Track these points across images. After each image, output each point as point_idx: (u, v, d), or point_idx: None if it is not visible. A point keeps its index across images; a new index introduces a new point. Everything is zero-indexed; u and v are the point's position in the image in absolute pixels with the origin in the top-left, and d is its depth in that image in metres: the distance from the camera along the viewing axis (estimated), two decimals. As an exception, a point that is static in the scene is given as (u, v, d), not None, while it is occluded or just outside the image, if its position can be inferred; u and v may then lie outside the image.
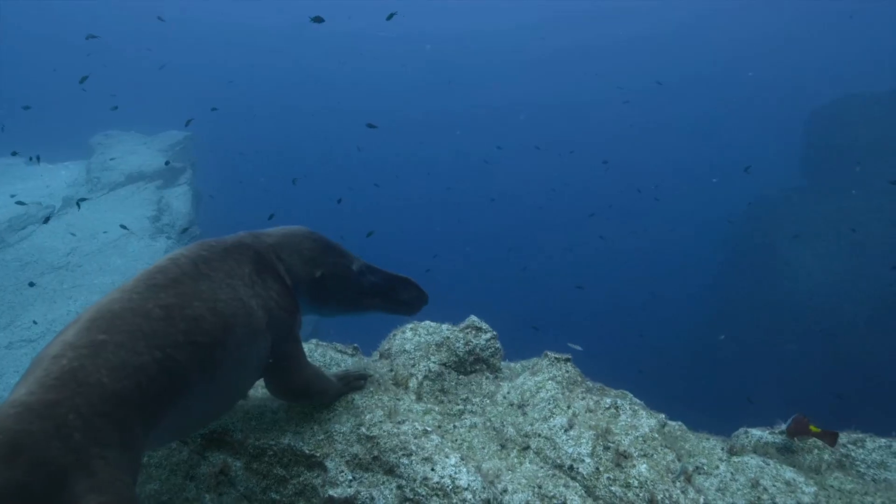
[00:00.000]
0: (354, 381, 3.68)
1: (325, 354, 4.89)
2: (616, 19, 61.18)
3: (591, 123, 56.03)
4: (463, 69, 65.47)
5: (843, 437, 4.63)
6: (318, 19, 9.45)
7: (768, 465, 4.34)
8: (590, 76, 57.45)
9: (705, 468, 4.28)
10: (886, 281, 20.45)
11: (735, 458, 4.40)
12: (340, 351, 5.15)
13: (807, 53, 54.54)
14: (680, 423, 4.87)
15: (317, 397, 3.44)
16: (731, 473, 4.23)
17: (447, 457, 3.00)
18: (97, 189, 20.95)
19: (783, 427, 4.72)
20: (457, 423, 3.66)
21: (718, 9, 56.74)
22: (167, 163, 14.12)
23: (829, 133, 25.70)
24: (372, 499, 2.94)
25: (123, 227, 16.24)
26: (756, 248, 25.48)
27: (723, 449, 4.49)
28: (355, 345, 5.16)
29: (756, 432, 4.85)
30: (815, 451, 4.58)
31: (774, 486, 4.11)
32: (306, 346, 4.87)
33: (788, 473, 4.28)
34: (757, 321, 23.33)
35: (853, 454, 4.54)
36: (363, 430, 3.21)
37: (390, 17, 12.94)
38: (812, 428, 4.42)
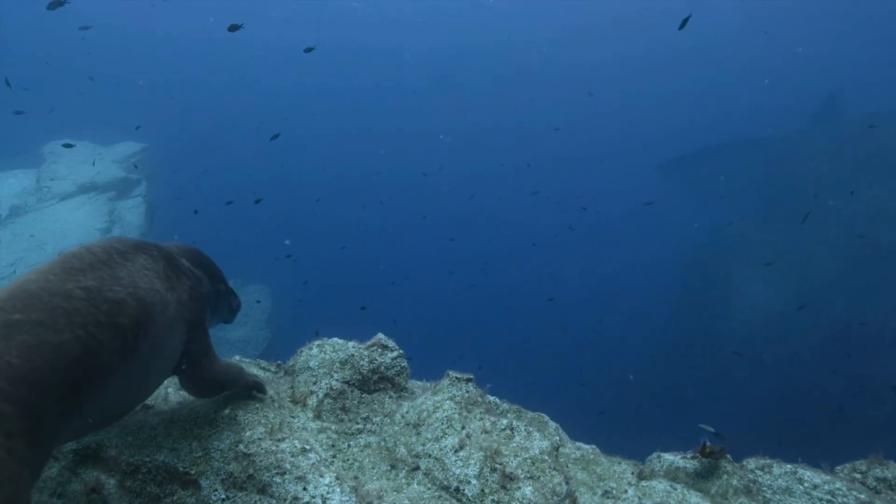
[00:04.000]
0: (260, 387, 3.72)
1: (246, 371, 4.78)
2: (593, 41, 62.88)
3: (536, 150, 56.58)
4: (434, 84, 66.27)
5: (752, 463, 4.64)
6: (234, 27, 9.26)
7: (675, 489, 4.33)
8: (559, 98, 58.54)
9: (614, 492, 4.25)
10: (832, 312, 20.98)
11: (644, 483, 4.39)
12: (263, 368, 5.04)
13: (762, 85, 56.45)
14: (594, 446, 4.85)
15: (230, 384, 3.51)
16: (639, 498, 4.21)
17: (321, 476, 2.92)
18: (47, 198, 20.45)
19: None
20: (351, 443, 3.58)
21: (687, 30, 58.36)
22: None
23: (783, 165, 26.48)
24: (242, 519, 2.83)
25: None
26: (710, 278, 25.92)
27: (633, 473, 4.47)
28: (279, 362, 5.06)
29: (668, 457, 4.84)
30: (725, 476, 4.59)
31: (678, 510, 4.10)
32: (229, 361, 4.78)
33: (694, 498, 4.28)
34: (709, 349, 23.65)
35: (760, 479, 4.55)
36: (241, 447, 3.11)
37: (308, 50, 12.85)
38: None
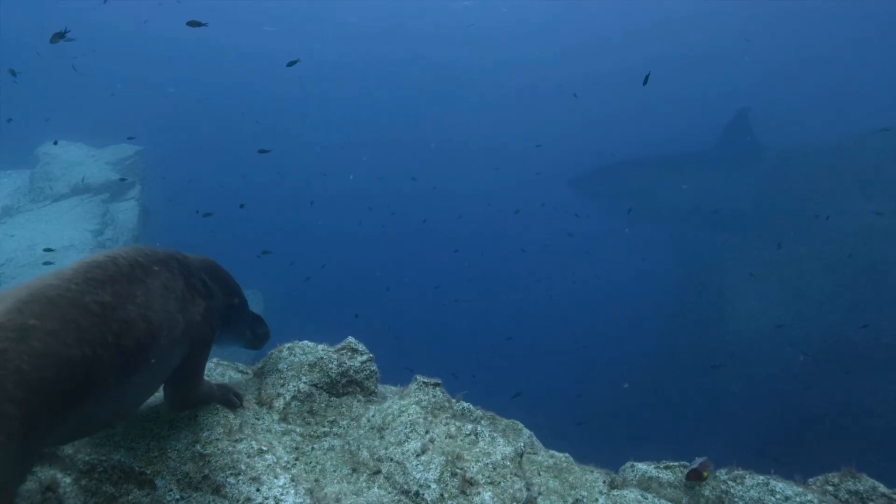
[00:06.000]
0: (233, 397, 3.70)
1: (224, 374, 4.76)
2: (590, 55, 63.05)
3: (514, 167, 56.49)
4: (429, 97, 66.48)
5: (724, 474, 4.61)
6: (195, 23, 9.02)
7: (646, 499, 4.30)
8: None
9: (584, 500, 4.22)
10: (825, 326, 21.00)
11: (615, 492, 4.35)
12: (241, 371, 5.00)
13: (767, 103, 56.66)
14: (567, 454, 4.81)
15: (204, 403, 3.55)
16: (609, 507, 4.18)
17: (276, 477, 2.89)
18: (40, 199, 20.40)
19: (692, 465, 4.69)
20: (315, 446, 3.55)
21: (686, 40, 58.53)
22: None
23: (780, 180, 26.57)
24: (194, 520, 2.80)
25: (48, 249, 15.71)
26: (704, 291, 25.94)
27: (605, 482, 4.44)
28: (254, 364, 5.03)
29: (642, 466, 4.81)
30: (696, 487, 4.56)
31: (648, 520, 4.07)
32: (206, 364, 4.75)
33: (664, 509, 4.24)
34: (702, 363, 23.60)
35: (732, 490, 4.52)
36: (198, 447, 3.08)
37: (291, 64, 12.75)
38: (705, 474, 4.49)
